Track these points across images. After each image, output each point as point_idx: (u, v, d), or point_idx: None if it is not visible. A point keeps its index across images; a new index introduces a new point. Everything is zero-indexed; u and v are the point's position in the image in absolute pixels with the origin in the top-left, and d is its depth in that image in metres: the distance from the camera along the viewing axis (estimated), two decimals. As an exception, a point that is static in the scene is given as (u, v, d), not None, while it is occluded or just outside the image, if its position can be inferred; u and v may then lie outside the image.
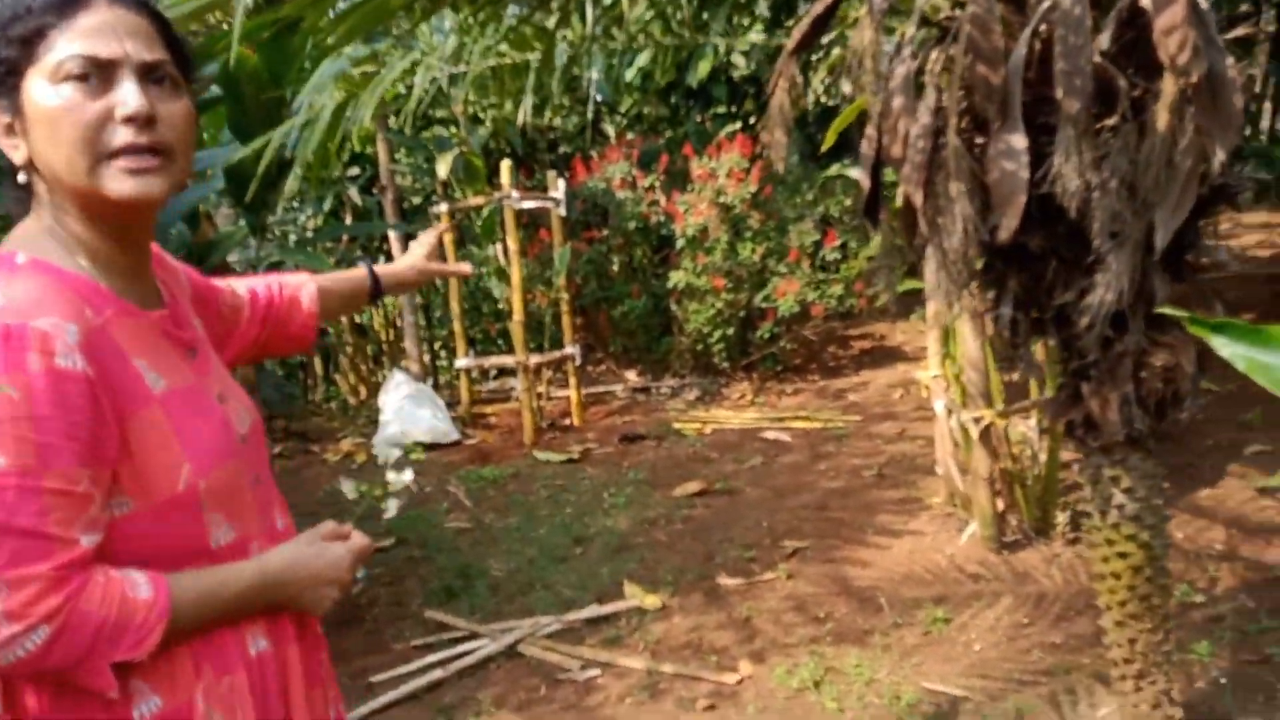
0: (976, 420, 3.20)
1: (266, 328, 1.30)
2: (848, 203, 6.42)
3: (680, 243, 6.01)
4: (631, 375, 6.74)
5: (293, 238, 7.23)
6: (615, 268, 6.58)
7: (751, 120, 8.05)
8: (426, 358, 7.05)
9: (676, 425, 5.40)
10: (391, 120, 6.30)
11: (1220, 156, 1.39)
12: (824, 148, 2.98)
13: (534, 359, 5.58)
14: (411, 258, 1.54)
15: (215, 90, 3.30)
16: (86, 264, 0.94)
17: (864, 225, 1.78)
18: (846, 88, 1.77)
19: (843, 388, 5.88)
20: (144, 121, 0.91)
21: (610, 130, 8.65)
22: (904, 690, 2.51)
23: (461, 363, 5.99)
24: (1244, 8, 5.33)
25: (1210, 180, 1.48)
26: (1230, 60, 1.39)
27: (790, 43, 1.78)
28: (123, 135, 0.90)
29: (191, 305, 1.13)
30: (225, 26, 3.86)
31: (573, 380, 5.74)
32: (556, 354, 5.78)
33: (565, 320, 5.84)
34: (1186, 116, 1.40)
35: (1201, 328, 1.23)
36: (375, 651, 3.09)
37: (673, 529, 3.88)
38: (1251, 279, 5.97)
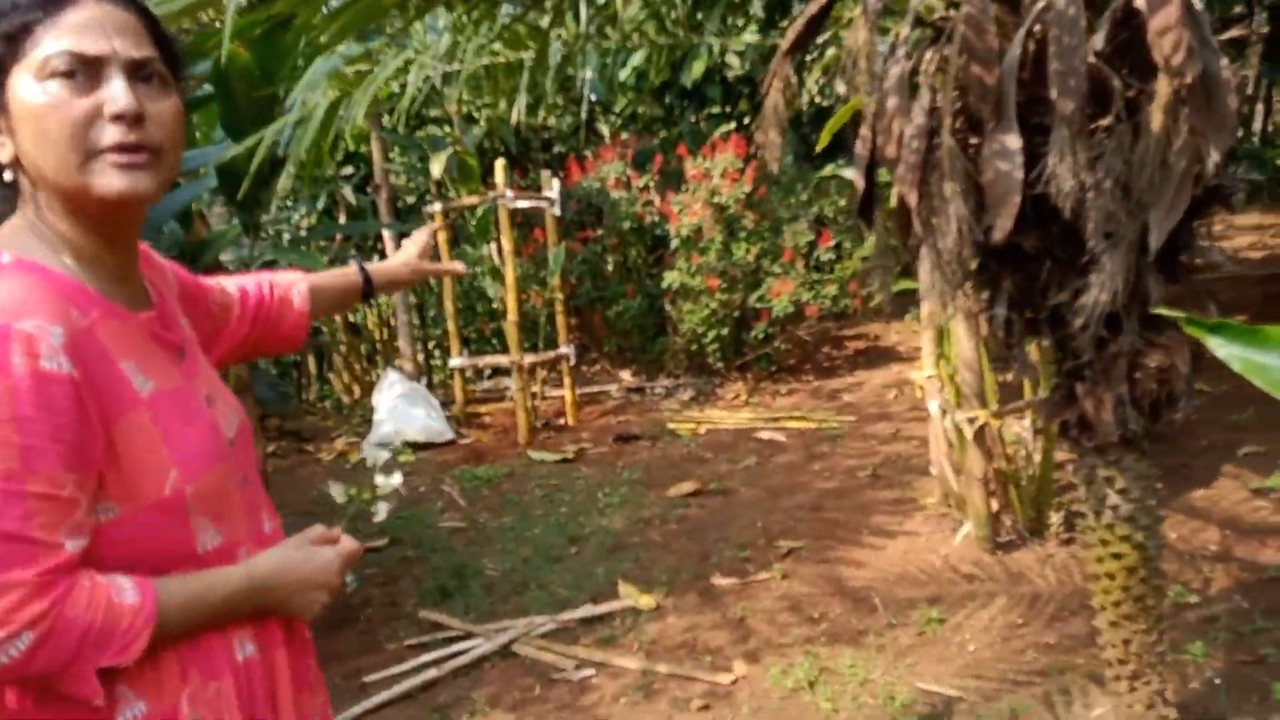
0: (971, 421, 3.21)
1: (257, 327, 1.29)
2: (842, 203, 6.42)
3: (675, 243, 6.01)
4: (626, 375, 6.74)
5: (286, 237, 7.21)
6: (610, 268, 6.58)
7: (746, 120, 8.06)
8: (421, 357, 7.05)
9: (671, 425, 5.39)
10: (385, 119, 6.29)
11: (1215, 157, 1.39)
12: (819, 148, 2.97)
13: (528, 359, 5.58)
14: (405, 256, 1.53)
15: (207, 88, 3.29)
16: (72, 263, 0.93)
17: (858, 225, 1.77)
18: (841, 88, 1.76)
19: (837, 388, 5.89)
20: (132, 119, 0.90)
21: (605, 130, 8.65)
22: (898, 690, 2.51)
23: (456, 362, 5.99)
24: (1237, 9, 5.34)
25: (1205, 181, 1.48)
26: (1225, 61, 1.39)
27: (785, 43, 1.77)
28: (111, 133, 0.89)
29: (179, 303, 1.11)
30: (217, 24, 3.84)
31: (567, 380, 5.74)
32: (551, 354, 5.77)
33: (560, 320, 5.84)
34: (1181, 117, 1.40)
35: (1198, 328, 1.23)
36: (369, 651, 3.08)
37: (667, 529, 3.87)
38: (1244, 280, 5.98)
